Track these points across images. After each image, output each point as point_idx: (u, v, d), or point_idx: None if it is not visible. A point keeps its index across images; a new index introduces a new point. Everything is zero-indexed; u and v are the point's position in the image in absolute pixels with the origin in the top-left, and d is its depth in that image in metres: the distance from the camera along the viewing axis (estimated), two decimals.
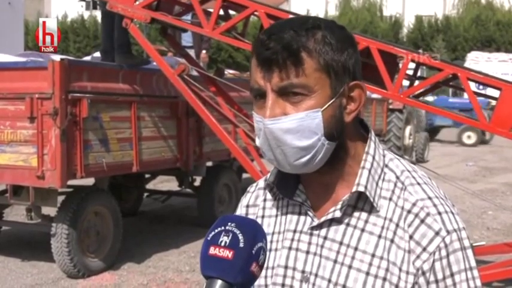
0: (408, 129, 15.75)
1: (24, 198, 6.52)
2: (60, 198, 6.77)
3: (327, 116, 1.30)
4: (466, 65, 23.43)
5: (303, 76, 1.27)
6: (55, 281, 6.56)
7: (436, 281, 1.30)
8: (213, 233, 1.17)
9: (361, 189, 1.34)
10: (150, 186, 10.02)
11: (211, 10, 6.58)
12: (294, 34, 1.27)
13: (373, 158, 1.38)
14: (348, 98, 1.34)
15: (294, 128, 1.28)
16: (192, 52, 9.19)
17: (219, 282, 1.14)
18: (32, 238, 7.99)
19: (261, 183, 1.55)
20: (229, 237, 1.15)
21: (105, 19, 7.47)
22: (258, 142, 1.36)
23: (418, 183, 1.37)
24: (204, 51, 9.95)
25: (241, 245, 1.14)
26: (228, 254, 1.14)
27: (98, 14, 39.43)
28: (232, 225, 1.17)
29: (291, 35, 1.27)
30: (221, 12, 6.62)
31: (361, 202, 1.36)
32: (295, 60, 1.27)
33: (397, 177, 1.38)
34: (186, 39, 9.89)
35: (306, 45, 1.27)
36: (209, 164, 9.20)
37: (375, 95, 11.95)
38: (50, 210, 6.91)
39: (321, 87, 1.29)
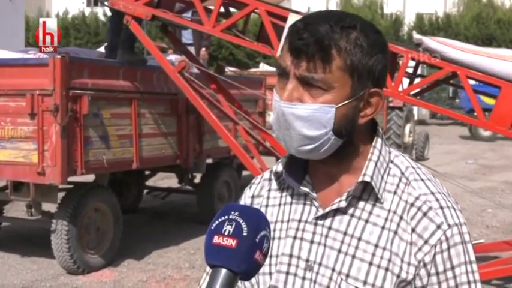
0: (408, 127, 15.74)
1: (25, 194, 6.53)
2: (61, 195, 6.78)
3: (340, 114, 1.33)
4: None
5: (328, 72, 1.31)
6: (55, 277, 6.57)
7: (437, 273, 1.34)
8: (216, 222, 1.19)
9: (367, 179, 1.37)
10: (150, 183, 10.02)
11: (212, 7, 6.59)
12: (329, 29, 1.30)
13: (380, 152, 1.42)
14: (366, 102, 1.37)
15: (306, 116, 1.32)
16: (192, 49, 9.19)
17: (224, 270, 1.15)
18: (32, 234, 8.00)
19: (266, 174, 1.58)
20: (233, 226, 1.16)
21: (113, 16, 7.47)
22: (271, 118, 1.41)
23: (422, 179, 1.41)
24: (203, 49, 9.95)
25: (245, 233, 1.16)
26: (231, 242, 1.15)
27: (99, 10, 39.47)
28: (236, 214, 1.18)
29: (325, 30, 1.30)
30: (222, 9, 6.62)
31: (366, 194, 1.39)
32: (325, 55, 1.30)
33: (402, 173, 1.41)
34: (186, 37, 9.89)
35: (337, 42, 1.30)
36: (209, 161, 9.21)
37: None
38: (50, 207, 6.92)
39: (341, 85, 1.32)
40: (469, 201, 10.48)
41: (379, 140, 1.43)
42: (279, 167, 1.47)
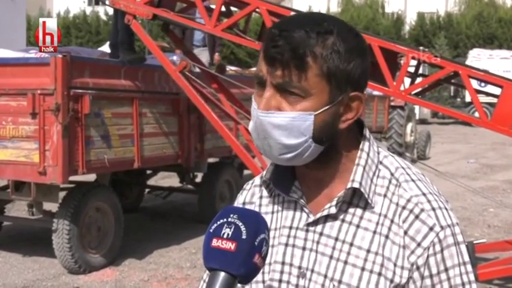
0: (409, 126, 15.74)
1: (26, 193, 6.53)
2: (62, 194, 6.78)
3: (319, 120, 1.30)
4: (468, 62, 23.41)
5: (304, 80, 1.27)
6: (56, 277, 6.58)
7: (431, 276, 1.33)
8: (215, 225, 1.18)
9: (356, 185, 1.35)
10: (151, 182, 10.03)
11: (213, 7, 6.59)
12: (304, 36, 1.27)
13: (368, 155, 1.39)
14: (346, 106, 1.34)
15: (284, 125, 1.30)
16: (204, 51, 9.26)
17: (222, 274, 1.14)
18: (33, 234, 8.00)
19: (257, 180, 1.56)
20: (232, 229, 1.15)
21: (116, 14, 7.46)
22: (250, 127, 1.38)
23: (413, 180, 1.39)
24: (217, 54, 10.00)
25: (244, 236, 1.15)
26: (230, 245, 1.14)
27: (100, 9, 39.48)
28: (235, 216, 1.17)
29: (300, 37, 1.27)
30: (223, 8, 6.62)
31: (356, 198, 1.37)
32: (300, 63, 1.27)
33: (392, 174, 1.39)
34: (197, 39, 9.94)
35: (313, 49, 1.27)
36: (210, 160, 9.21)
37: (376, 92, 11.96)
38: (51, 206, 6.92)
39: (318, 92, 1.29)
40: (471, 201, 10.48)
41: (367, 142, 1.41)
42: (267, 175, 1.45)
